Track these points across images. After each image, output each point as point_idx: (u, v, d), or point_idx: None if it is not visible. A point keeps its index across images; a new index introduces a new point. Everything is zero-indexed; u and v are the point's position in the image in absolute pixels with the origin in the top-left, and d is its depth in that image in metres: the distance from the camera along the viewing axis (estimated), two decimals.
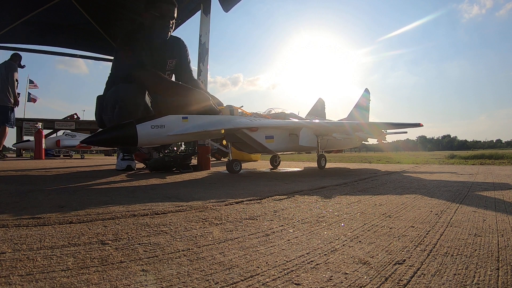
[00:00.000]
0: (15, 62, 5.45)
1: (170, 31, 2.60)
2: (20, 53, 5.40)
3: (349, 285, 0.46)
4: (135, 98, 2.29)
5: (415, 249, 0.62)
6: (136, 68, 2.34)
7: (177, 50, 2.73)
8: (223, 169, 2.93)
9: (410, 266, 0.54)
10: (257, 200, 1.17)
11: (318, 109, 4.54)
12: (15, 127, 5.85)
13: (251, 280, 0.47)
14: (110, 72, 2.61)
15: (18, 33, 4.34)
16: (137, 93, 2.30)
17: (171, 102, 2.62)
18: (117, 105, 2.27)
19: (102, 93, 2.54)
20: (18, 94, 5.87)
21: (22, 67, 5.61)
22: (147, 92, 2.39)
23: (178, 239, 0.67)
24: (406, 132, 3.94)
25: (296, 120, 2.97)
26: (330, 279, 0.48)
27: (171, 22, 2.54)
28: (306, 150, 3.15)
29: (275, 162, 3.41)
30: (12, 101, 5.41)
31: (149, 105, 2.44)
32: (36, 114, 54.41)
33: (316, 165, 3.14)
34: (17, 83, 5.49)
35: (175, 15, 2.58)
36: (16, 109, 5.68)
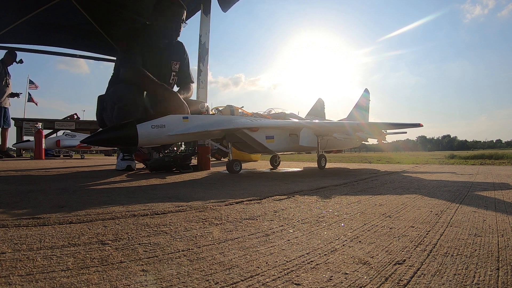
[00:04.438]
0: (6, 60, 5.46)
1: (179, 33, 2.66)
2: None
3: (349, 285, 0.46)
4: (134, 99, 2.30)
5: (415, 249, 0.62)
6: (124, 68, 2.37)
7: (180, 54, 2.76)
8: (223, 169, 2.93)
9: (410, 266, 0.54)
10: (257, 200, 1.17)
11: (318, 109, 4.53)
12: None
13: (251, 280, 0.47)
14: (113, 72, 2.63)
15: (18, 33, 4.33)
16: (136, 93, 2.32)
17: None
18: (116, 106, 2.29)
19: (103, 93, 2.56)
20: (17, 93, 5.88)
21: (19, 62, 5.60)
22: (145, 92, 2.40)
23: (178, 239, 0.67)
24: (406, 132, 3.94)
25: (297, 120, 2.97)
26: (330, 279, 0.48)
27: (181, 24, 2.59)
28: (306, 150, 3.15)
29: (275, 162, 3.41)
30: None
31: (149, 105, 2.45)
32: (36, 114, 54.42)
33: (316, 165, 3.14)
34: None
35: (184, 17, 2.63)
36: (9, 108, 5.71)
